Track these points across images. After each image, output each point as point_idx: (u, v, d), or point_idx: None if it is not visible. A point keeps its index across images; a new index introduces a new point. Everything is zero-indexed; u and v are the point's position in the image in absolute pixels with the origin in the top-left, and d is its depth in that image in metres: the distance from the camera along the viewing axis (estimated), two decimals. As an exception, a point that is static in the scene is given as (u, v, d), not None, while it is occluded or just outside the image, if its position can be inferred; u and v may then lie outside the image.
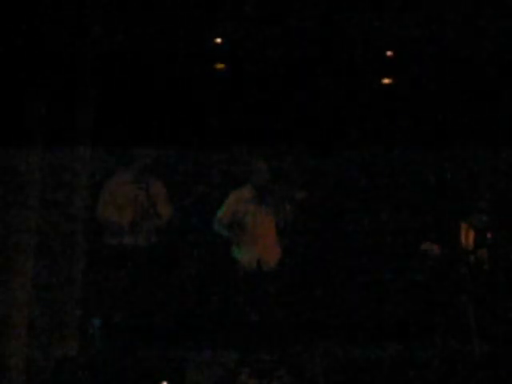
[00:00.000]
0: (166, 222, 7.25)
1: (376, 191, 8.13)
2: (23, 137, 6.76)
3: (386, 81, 8.37)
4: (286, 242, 7.35)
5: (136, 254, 7.04)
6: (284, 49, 7.68)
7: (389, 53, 8.02)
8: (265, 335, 6.96)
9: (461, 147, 8.17)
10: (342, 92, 8.05)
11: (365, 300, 7.65)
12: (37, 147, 6.82)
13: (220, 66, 8.18)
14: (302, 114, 8.03)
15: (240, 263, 7.29)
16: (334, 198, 8.00)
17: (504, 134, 8.05)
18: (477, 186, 7.99)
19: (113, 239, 7.07)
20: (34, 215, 6.84)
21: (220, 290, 7.44)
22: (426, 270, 7.42)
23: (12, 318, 6.68)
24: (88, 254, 7.10)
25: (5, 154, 6.71)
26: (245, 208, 7.28)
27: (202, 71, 8.05)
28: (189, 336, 7.19)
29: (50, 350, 6.79)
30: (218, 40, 7.78)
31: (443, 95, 8.24)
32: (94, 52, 7.23)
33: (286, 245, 7.35)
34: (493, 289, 7.25)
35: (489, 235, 7.47)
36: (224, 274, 7.41)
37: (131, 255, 7.05)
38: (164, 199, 7.28)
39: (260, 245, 7.25)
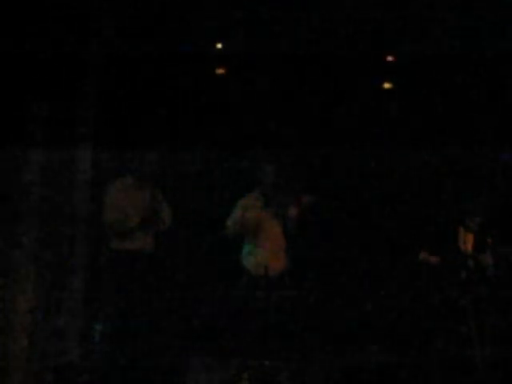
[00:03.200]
0: (167, 226, 7.22)
1: (379, 194, 8.17)
2: (24, 139, 6.77)
3: (387, 85, 8.41)
4: (293, 247, 7.36)
5: (139, 258, 7.01)
6: (286, 52, 7.68)
7: (389, 58, 8.05)
8: (266, 340, 6.97)
9: (458, 149, 8.21)
10: (345, 95, 8.08)
11: (368, 305, 7.68)
12: (38, 150, 6.82)
13: (223, 69, 8.17)
14: (306, 117, 8.06)
15: (247, 268, 7.30)
16: (339, 203, 8.04)
17: (503, 136, 8.08)
18: (474, 189, 8.00)
19: (119, 244, 7.01)
20: (36, 219, 6.84)
21: (224, 295, 7.47)
22: (427, 275, 7.44)
23: (14, 323, 6.68)
24: (90, 259, 7.12)
25: (6, 156, 6.70)
26: (252, 214, 7.29)
27: (206, 74, 8.05)
28: (191, 341, 7.21)
29: (53, 355, 6.80)
30: (219, 45, 7.78)
31: (440, 97, 8.27)
32: (96, 54, 7.23)
33: (293, 250, 7.36)
34: (493, 292, 7.27)
35: (488, 239, 7.49)
36: (229, 278, 7.43)
37: (133, 260, 7.01)
38: (164, 204, 7.25)
39: (267, 251, 7.27)
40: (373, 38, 7.50)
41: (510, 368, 6.78)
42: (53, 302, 6.88)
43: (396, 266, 7.90)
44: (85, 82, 7.17)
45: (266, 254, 7.26)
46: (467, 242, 7.51)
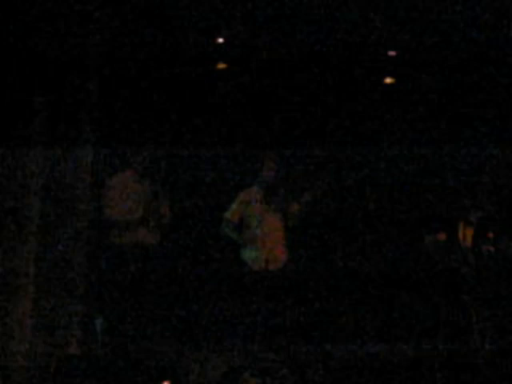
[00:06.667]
0: (167, 220, 7.23)
1: (379, 191, 8.19)
2: (25, 137, 6.77)
3: (388, 80, 8.41)
4: (293, 242, 7.38)
5: (139, 252, 7.03)
6: (288, 49, 7.69)
7: (391, 53, 8.05)
8: (268, 335, 6.99)
9: (460, 145, 8.23)
10: (346, 91, 8.09)
11: (368, 300, 7.69)
12: (38, 148, 6.83)
13: (225, 65, 8.17)
14: (307, 113, 8.07)
15: (247, 263, 7.32)
16: (339, 198, 8.06)
17: (503, 132, 8.10)
18: (475, 183, 8.02)
19: (121, 238, 7.03)
20: (36, 214, 6.85)
21: (224, 290, 7.48)
22: (427, 269, 7.46)
23: (14, 317, 6.69)
24: (92, 253, 7.14)
25: (7, 155, 6.71)
26: (252, 209, 7.31)
27: (208, 70, 8.05)
28: (191, 335, 7.23)
29: (53, 349, 6.81)
30: (220, 40, 7.77)
31: (441, 94, 8.29)
32: (96, 52, 7.22)
33: (293, 245, 7.38)
34: (493, 286, 7.29)
35: (488, 233, 7.51)
36: (229, 273, 7.44)
37: (134, 254, 7.03)
38: (165, 198, 7.27)
39: (267, 245, 7.28)
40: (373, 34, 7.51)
41: (509, 362, 6.81)
42: (53, 296, 6.89)
43: (396, 261, 7.92)
44: (86, 79, 7.17)
45: (265, 249, 7.29)
46: (466, 236, 7.54)
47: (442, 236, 7.42)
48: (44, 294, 6.84)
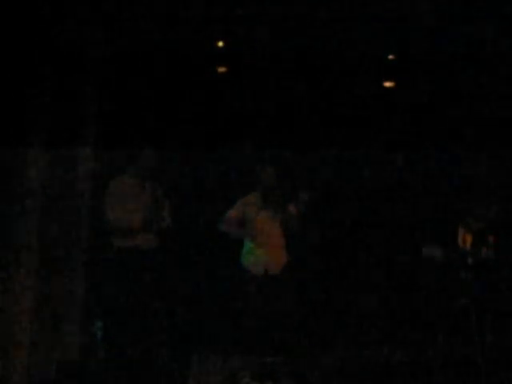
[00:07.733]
0: (168, 224, 7.22)
1: (378, 193, 8.20)
2: (26, 137, 6.78)
3: (388, 84, 8.43)
4: (293, 246, 7.38)
5: (139, 256, 7.01)
6: (286, 51, 7.71)
7: (390, 56, 8.08)
8: (267, 338, 6.99)
9: (459, 150, 8.24)
10: (345, 93, 8.11)
11: (367, 303, 7.70)
12: (40, 148, 6.83)
13: (223, 68, 8.20)
14: (305, 115, 8.09)
15: (246, 267, 7.32)
16: (338, 201, 8.08)
17: (503, 136, 8.11)
18: (474, 188, 8.03)
19: (121, 241, 7.01)
20: (37, 216, 6.84)
21: (224, 293, 7.49)
22: (427, 273, 7.46)
23: (14, 320, 6.68)
24: (92, 256, 7.13)
25: (7, 154, 6.71)
26: (252, 213, 7.32)
27: (209, 72, 8.07)
28: (192, 339, 7.22)
29: (52, 353, 6.80)
30: (220, 43, 7.80)
31: (441, 97, 8.30)
32: (97, 53, 7.24)
33: (293, 249, 7.38)
34: (492, 291, 7.29)
35: (489, 238, 7.50)
36: (229, 277, 7.44)
37: (134, 258, 7.02)
38: (166, 201, 7.27)
39: (267, 249, 7.28)
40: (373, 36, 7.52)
41: (508, 366, 6.80)
42: (54, 299, 6.88)
43: (396, 264, 7.93)
44: (86, 79, 7.19)
45: (265, 253, 7.29)
46: (466, 240, 7.53)
47: (439, 250, 7.40)
48: (44, 298, 6.83)
